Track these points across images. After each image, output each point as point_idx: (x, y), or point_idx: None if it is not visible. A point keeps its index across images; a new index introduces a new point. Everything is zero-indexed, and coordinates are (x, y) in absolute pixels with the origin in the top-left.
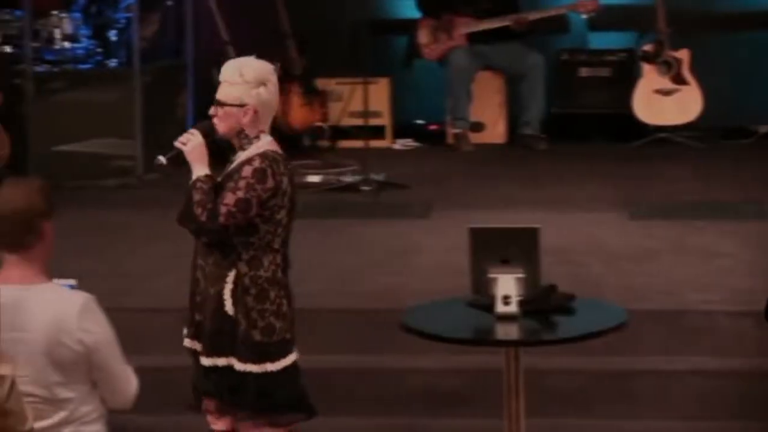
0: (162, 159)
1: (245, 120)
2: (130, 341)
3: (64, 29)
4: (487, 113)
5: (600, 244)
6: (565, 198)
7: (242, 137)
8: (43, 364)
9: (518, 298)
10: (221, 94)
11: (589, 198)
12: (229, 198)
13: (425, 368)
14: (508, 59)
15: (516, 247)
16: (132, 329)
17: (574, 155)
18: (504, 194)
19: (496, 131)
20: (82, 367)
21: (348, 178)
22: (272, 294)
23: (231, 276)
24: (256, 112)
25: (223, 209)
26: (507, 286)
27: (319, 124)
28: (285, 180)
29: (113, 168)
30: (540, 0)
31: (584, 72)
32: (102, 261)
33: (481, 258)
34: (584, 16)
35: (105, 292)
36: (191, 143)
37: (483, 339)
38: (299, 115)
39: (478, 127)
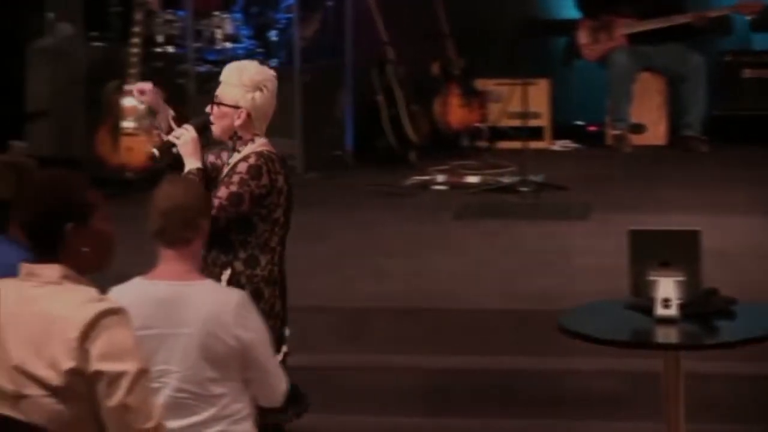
0: (155, 152)
1: (237, 122)
2: (290, 340)
3: (225, 29)
4: (648, 115)
5: (761, 248)
6: (725, 201)
7: (235, 139)
8: (198, 360)
9: (678, 301)
10: (219, 94)
11: (749, 201)
12: (222, 192)
13: (582, 370)
14: (669, 60)
15: (676, 249)
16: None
17: (736, 158)
18: (664, 196)
19: (656, 133)
20: (235, 364)
21: (506, 180)
22: (266, 293)
23: (226, 274)
24: (249, 115)
25: (215, 202)
26: (667, 288)
27: (477, 124)
28: (280, 179)
29: None
30: (703, 0)
31: (747, 73)
32: None
33: (641, 260)
34: (747, 18)
35: None
36: (184, 138)
37: (642, 342)
38: (458, 115)
39: (638, 128)
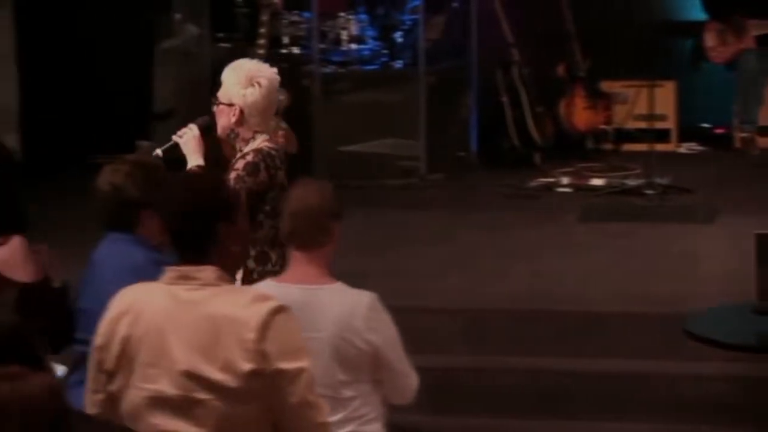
0: (158, 151)
1: (233, 119)
2: (413, 341)
3: (351, 31)
4: None
5: None
6: None
7: (233, 137)
8: (329, 363)
9: None
10: (219, 92)
11: None
12: None
13: (707, 375)
14: None
15: None
16: (415, 329)
17: None
18: None
19: None
20: (366, 366)
21: (632, 182)
22: None
23: (239, 273)
24: (242, 112)
25: None
26: None
27: (603, 126)
28: (281, 174)
29: (397, 168)
30: None
31: None
32: (385, 260)
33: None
34: None
35: (388, 291)
36: (186, 136)
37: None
38: (583, 117)
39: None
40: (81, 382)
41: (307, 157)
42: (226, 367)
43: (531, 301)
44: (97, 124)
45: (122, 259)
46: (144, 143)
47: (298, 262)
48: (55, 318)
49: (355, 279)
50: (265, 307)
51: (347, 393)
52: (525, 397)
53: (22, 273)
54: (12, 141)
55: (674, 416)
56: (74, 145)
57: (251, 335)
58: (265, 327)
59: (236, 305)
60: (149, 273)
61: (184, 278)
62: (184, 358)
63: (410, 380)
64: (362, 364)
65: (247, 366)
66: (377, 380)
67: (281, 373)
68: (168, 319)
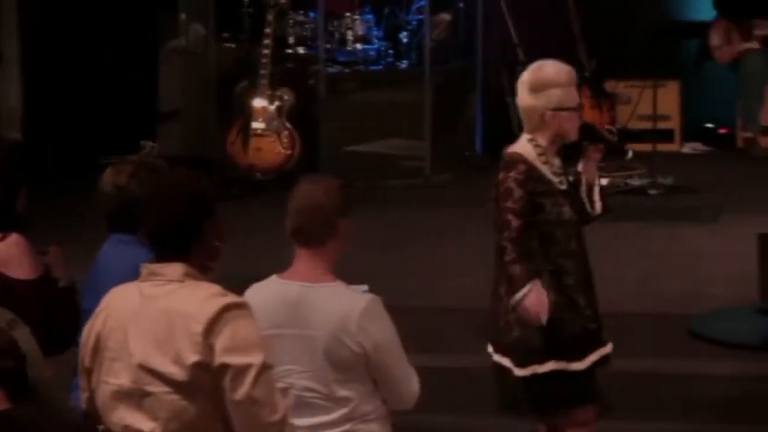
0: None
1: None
2: (421, 340)
3: (357, 31)
4: None
5: None
6: None
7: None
8: (323, 362)
9: None
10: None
11: None
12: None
13: (713, 374)
14: None
15: None
16: (423, 329)
17: None
18: None
19: None
20: (360, 368)
21: (636, 182)
22: None
23: None
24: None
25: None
26: None
27: (607, 126)
28: None
29: (402, 168)
30: None
31: None
32: (391, 260)
33: None
34: None
35: (395, 291)
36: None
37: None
38: (588, 117)
39: None
40: None
41: (312, 157)
42: (177, 360)
43: None
44: (102, 124)
45: (126, 260)
46: (149, 143)
47: (301, 258)
48: (60, 317)
49: (362, 279)
50: (219, 302)
51: (342, 392)
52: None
53: (19, 270)
54: None
55: (682, 416)
56: (79, 146)
57: (199, 328)
58: (214, 321)
59: (192, 300)
60: None
61: (153, 275)
62: (139, 351)
63: (409, 386)
64: (355, 366)
65: (193, 358)
66: (375, 382)
67: (226, 367)
68: (131, 314)
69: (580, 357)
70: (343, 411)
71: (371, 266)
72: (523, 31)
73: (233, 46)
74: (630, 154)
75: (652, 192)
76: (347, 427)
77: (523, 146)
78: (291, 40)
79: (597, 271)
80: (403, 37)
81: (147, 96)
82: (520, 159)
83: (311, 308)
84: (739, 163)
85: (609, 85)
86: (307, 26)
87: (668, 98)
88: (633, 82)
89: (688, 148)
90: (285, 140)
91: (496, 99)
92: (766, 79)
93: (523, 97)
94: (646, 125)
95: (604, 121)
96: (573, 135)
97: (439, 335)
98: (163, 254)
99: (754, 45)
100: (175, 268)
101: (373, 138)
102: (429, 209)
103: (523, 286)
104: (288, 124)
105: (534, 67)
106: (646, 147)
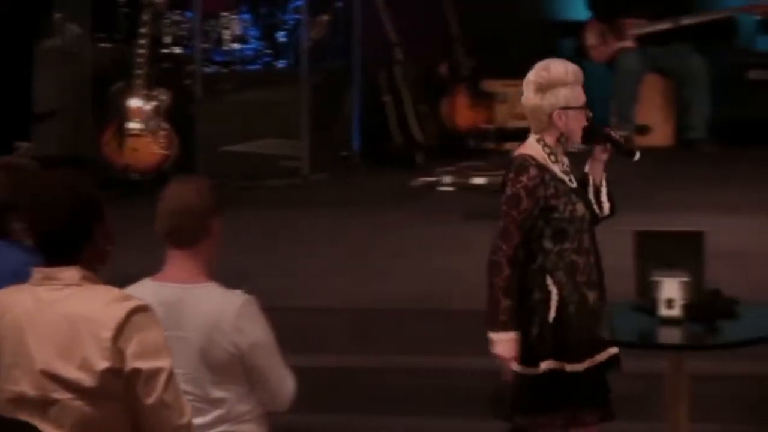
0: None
1: None
2: (297, 341)
3: (233, 30)
4: (654, 116)
5: (766, 248)
6: (730, 202)
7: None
8: (198, 363)
9: (682, 302)
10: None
11: (755, 202)
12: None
13: None
14: (675, 62)
15: (681, 250)
16: (300, 329)
17: (742, 159)
18: (669, 198)
19: (662, 134)
20: (235, 369)
21: None
22: None
23: None
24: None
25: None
26: (671, 289)
27: (484, 125)
28: None
29: (280, 168)
30: (713, 1)
31: (753, 75)
32: (267, 260)
33: (646, 261)
34: (757, 18)
35: (272, 291)
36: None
37: (646, 342)
38: (465, 116)
39: (644, 129)
40: None
41: (189, 157)
42: (84, 366)
43: (419, 300)
44: None
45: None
46: (23, 144)
47: (175, 260)
48: None
49: (238, 279)
50: (125, 307)
51: (218, 393)
52: (411, 395)
53: None
54: None
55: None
56: None
57: (108, 334)
58: (122, 326)
59: (96, 305)
60: (30, 276)
61: (48, 279)
62: (41, 358)
63: (284, 387)
64: (230, 366)
65: (103, 364)
66: (250, 382)
67: (138, 372)
68: (28, 320)
69: (581, 359)
70: (219, 412)
71: (247, 266)
72: (401, 31)
73: (110, 46)
74: (637, 155)
75: None
76: (223, 428)
77: (532, 147)
78: (167, 39)
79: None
80: (281, 36)
81: (22, 96)
82: (531, 162)
83: (186, 309)
84: (614, 161)
85: (487, 84)
86: (183, 26)
87: None
88: (511, 81)
89: None
90: (161, 140)
91: (374, 98)
92: (641, 78)
93: (529, 97)
94: (524, 124)
95: (482, 121)
96: (578, 136)
97: (315, 335)
98: (55, 258)
99: (629, 44)
100: (72, 272)
101: (250, 138)
102: (307, 209)
103: (504, 327)
104: (164, 124)
105: (539, 66)
106: None
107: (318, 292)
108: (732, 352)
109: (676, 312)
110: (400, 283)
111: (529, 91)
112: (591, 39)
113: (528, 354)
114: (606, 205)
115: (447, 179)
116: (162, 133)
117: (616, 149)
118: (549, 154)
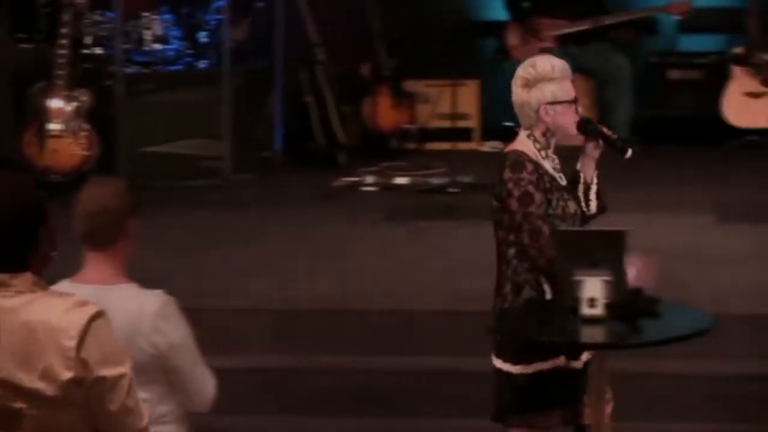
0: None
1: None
2: (219, 341)
3: (155, 31)
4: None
5: (688, 247)
6: (652, 201)
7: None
8: None
9: (604, 302)
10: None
11: (677, 201)
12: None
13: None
14: (595, 62)
15: (603, 250)
16: (221, 330)
17: (663, 158)
18: None
19: None
20: (155, 369)
21: (436, 181)
22: None
23: None
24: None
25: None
26: (593, 288)
27: (406, 126)
28: None
29: (202, 169)
30: (629, 1)
31: (674, 74)
32: (191, 261)
33: (568, 260)
34: (677, 18)
35: (192, 292)
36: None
37: (567, 342)
38: (387, 116)
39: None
40: None
41: (110, 158)
42: (45, 376)
43: (341, 301)
44: None
45: None
46: None
47: (93, 261)
48: None
49: (158, 280)
50: (84, 314)
51: (139, 394)
52: (335, 396)
53: None
54: None
55: (477, 411)
56: None
57: (71, 343)
58: (84, 334)
59: (54, 312)
60: None
61: (2, 286)
62: (1, 366)
63: (204, 387)
64: (150, 367)
65: (67, 374)
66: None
67: (102, 380)
68: None
69: (578, 355)
70: None
71: (168, 267)
72: (322, 31)
73: (30, 46)
74: (630, 153)
75: (452, 190)
76: None
77: (523, 143)
78: (88, 40)
79: (403, 268)
80: (202, 37)
81: None
82: (525, 158)
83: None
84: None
85: (409, 85)
86: (104, 26)
87: (467, 97)
88: (433, 82)
89: (487, 147)
90: (82, 141)
91: (296, 99)
92: None
93: (517, 93)
94: (446, 124)
95: (404, 121)
96: (571, 129)
97: (236, 336)
98: (4, 265)
99: (549, 44)
100: (24, 279)
101: (172, 138)
102: (229, 209)
103: None
104: (85, 125)
105: (527, 63)
106: (445, 146)
107: (239, 292)
108: (653, 350)
109: (598, 311)
110: (322, 284)
111: (516, 87)
112: (512, 39)
113: (525, 353)
114: (593, 204)
115: (369, 179)
116: (83, 134)
117: (608, 146)
118: (540, 150)
